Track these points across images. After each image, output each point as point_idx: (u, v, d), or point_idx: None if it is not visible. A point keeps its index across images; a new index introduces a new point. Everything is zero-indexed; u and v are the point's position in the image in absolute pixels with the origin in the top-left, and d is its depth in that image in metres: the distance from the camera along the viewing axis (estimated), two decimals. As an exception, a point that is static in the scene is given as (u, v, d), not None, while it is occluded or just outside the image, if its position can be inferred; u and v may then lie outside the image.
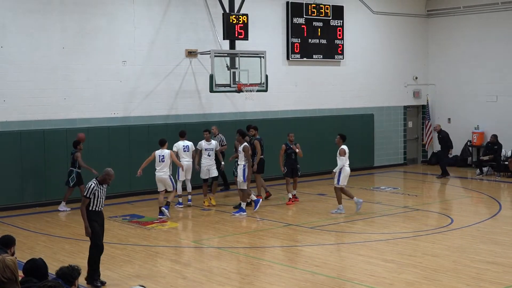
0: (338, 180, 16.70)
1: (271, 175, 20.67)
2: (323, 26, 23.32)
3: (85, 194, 10.82)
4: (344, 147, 16.80)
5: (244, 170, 16.71)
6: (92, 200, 10.81)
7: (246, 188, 16.84)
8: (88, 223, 10.79)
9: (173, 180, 16.73)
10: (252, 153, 17.46)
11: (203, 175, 17.73)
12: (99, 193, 10.86)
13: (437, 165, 25.86)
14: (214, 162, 17.77)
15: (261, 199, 17.42)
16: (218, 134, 19.23)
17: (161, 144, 16.65)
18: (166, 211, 16.21)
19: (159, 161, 16.47)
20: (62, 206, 17.37)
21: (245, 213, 16.65)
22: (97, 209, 10.89)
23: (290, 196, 18.20)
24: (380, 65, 25.41)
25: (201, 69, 20.45)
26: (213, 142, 17.83)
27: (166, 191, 16.65)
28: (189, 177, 17.87)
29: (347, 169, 16.77)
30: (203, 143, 17.70)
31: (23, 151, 17.59)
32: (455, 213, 16.90)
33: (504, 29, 24.33)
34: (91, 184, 10.86)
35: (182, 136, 17.84)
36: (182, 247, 13.74)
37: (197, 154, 17.91)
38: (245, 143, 16.93)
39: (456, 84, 25.92)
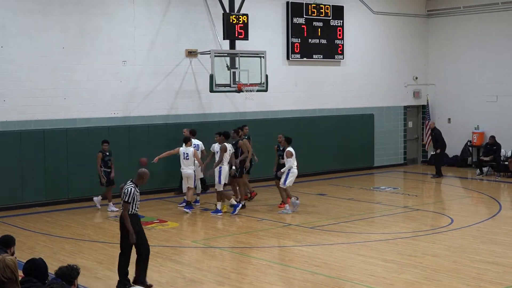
0: (285, 181, 16.72)
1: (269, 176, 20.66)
2: (323, 26, 23.32)
3: (126, 199, 10.52)
4: (290, 149, 16.81)
5: (220, 172, 16.66)
6: (131, 203, 10.61)
7: (222, 189, 16.77)
8: (132, 229, 10.50)
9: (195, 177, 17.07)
10: (241, 154, 17.35)
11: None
12: (137, 196, 10.70)
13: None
14: (228, 165, 17.25)
15: (240, 204, 16.92)
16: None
17: (186, 142, 16.99)
18: (183, 205, 16.97)
19: (184, 159, 16.82)
20: (111, 206, 17.25)
21: (220, 213, 16.64)
22: (135, 211, 10.71)
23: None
24: (380, 65, 25.41)
25: (201, 69, 20.45)
26: (227, 146, 17.10)
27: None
28: (198, 176, 17.97)
29: (295, 171, 16.80)
30: (215, 146, 17.41)
31: (23, 151, 17.58)
32: (455, 213, 16.90)
33: (505, 29, 24.33)
34: (130, 189, 10.57)
35: (193, 135, 18.06)
36: (182, 247, 13.74)
37: (209, 156, 17.87)
38: (224, 143, 16.73)
39: (456, 84, 25.93)
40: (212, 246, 13.83)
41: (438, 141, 23.47)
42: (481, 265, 11.89)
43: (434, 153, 23.83)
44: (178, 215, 16.77)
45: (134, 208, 10.63)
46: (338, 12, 23.72)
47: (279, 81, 22.06)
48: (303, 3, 22.76)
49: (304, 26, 22.86)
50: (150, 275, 11.42)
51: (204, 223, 16.11)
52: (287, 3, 22.51)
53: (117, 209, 16.99)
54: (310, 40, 23.04)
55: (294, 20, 22.62)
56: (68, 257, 12.60)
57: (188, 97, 20.60)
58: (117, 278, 11.18)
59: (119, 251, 10.83)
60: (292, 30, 22.60)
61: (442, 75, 26.44)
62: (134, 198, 10.58)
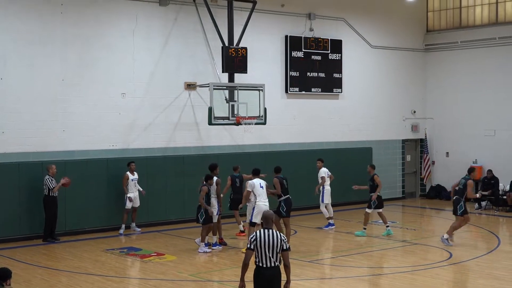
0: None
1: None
2: (321, 60, 23.47)
3: (287, 247, 9.50)
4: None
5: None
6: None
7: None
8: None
9: None
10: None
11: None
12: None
13: (436, 199, 25.99)
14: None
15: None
16: (56, 173, 17.50)
17: (256, 174, 16.03)
18: None
19: (260, 188, 15.73)
20: (203, 247, 16.20)
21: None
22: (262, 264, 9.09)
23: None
24: (378, 99, 25.52)
25: (200, 102, 20.51)
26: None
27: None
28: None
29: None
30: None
31: (21, 183, 17.55)
32: (454, 248, 16.82)
33: (502, 64, 24.49)
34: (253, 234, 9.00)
35: (256, 174, 16.24)
36: (180, 281, 13.64)
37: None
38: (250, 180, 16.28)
39: (454, 118, 26.03)
40: (210, 279, 13.74)
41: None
42: (480, 300, 11.83)
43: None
44: (176, 248, 16.66)
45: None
46: (336, 46, 23.89)
47: (277, 114, 22.12)
48: (301, 36, 22.93)
49: (303, 59, 23.00)
50: (147, 309, 11.34)
51: (202, 256, 16.01)
52: (286, 36, 22.68)
53: (209, 250, 16.28)
54: (308, 73, 23.16)
55: (292, 53, 22.77)
56: (65, 290, 12.51)
57: (187, 129, 20.62)
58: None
59: None
60: (291, 63, 22.73)
61: (440, 109, 26.55)
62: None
